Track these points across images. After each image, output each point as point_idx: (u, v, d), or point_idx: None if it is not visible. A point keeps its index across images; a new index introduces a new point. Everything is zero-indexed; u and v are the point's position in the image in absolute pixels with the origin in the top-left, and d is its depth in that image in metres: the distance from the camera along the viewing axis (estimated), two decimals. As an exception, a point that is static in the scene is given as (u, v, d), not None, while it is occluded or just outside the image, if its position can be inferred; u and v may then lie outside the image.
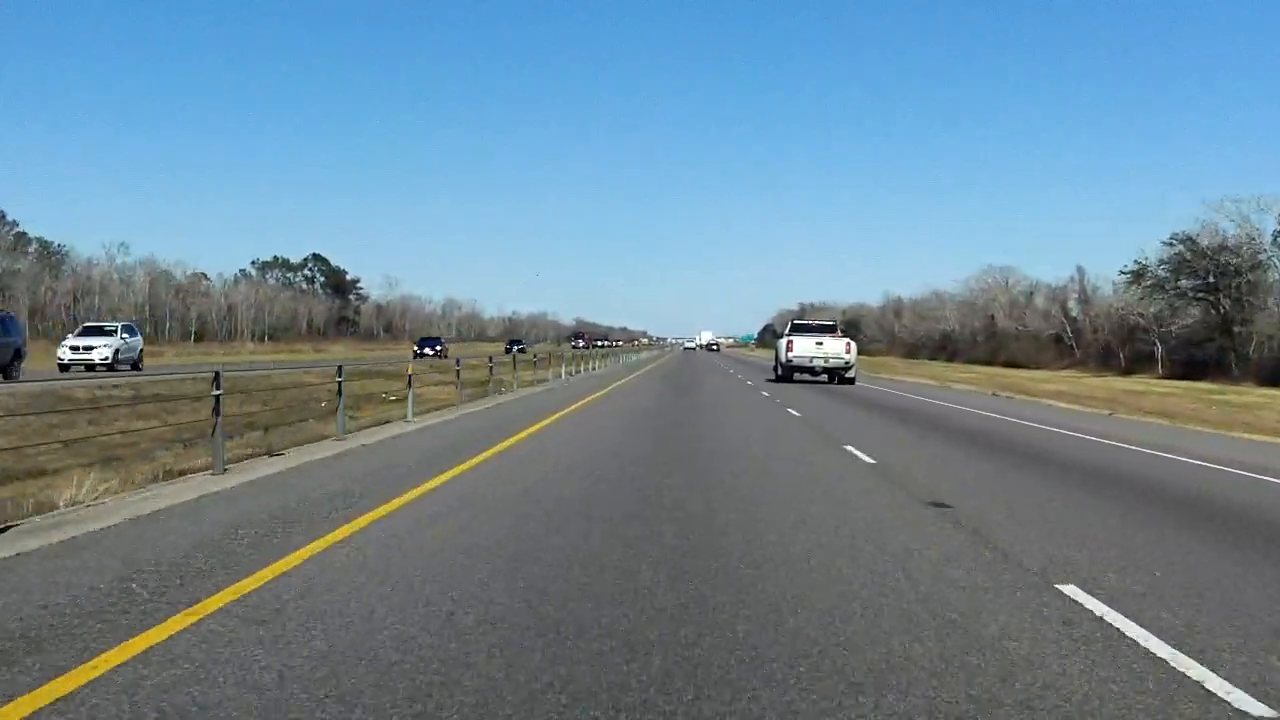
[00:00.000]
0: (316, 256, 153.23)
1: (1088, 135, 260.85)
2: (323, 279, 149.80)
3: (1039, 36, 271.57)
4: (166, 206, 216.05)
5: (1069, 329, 79.32)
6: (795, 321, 42.84)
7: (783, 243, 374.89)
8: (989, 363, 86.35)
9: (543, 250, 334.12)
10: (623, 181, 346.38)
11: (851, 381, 36.76)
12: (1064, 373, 68.71)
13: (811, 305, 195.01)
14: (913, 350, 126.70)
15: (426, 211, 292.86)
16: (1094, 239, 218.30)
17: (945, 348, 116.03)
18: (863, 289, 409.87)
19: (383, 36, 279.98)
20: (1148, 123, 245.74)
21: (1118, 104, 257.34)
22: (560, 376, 40.65)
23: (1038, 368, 76.78)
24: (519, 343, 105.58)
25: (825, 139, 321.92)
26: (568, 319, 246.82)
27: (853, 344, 37.82)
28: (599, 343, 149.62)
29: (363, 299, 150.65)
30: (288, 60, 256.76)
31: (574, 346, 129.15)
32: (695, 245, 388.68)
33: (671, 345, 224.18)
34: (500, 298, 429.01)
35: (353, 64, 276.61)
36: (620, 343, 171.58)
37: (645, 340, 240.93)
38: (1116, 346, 68.06)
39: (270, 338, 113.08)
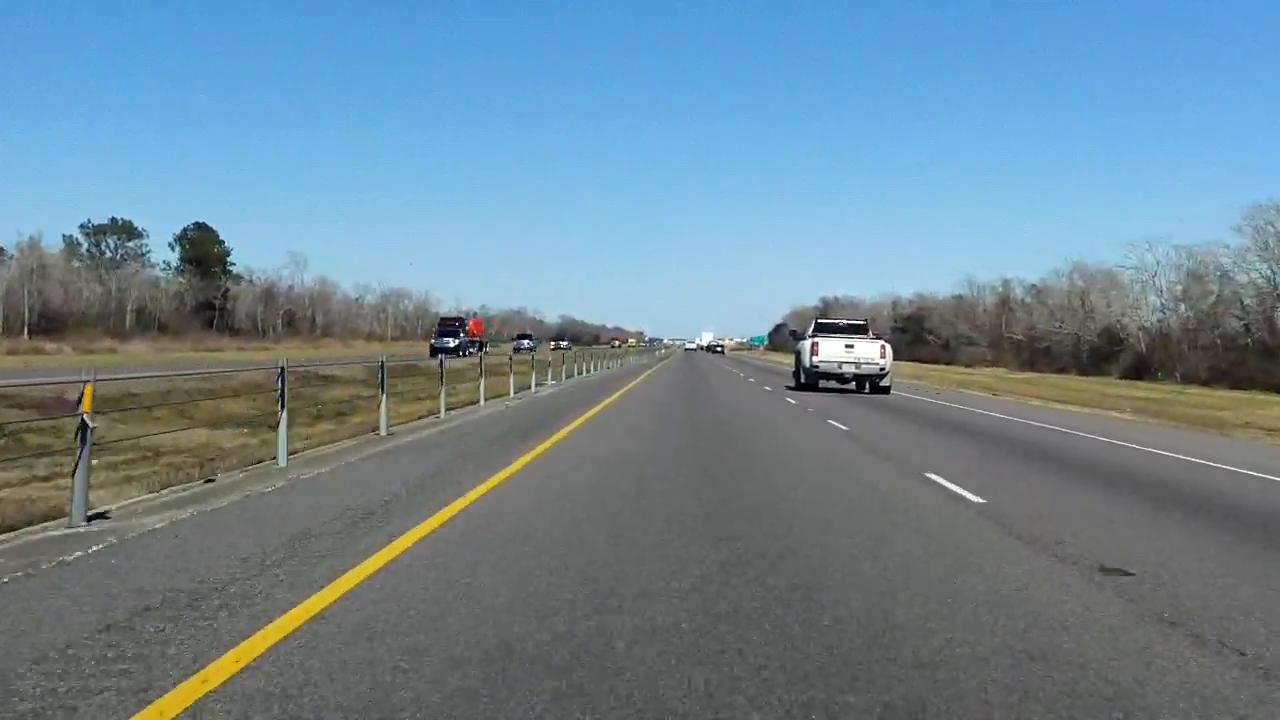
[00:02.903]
0: (200, 225, 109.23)
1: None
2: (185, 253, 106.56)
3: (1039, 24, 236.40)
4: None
5: None
6: (820, 320, 37.88)
7: (792, 236, 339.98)
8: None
9: (537, 246, 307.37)
10: (621, 175, 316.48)
11: (886, 390, 32.36)
12: None
13: (836, 300, 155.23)
14: (1035, 358, 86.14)
15: (418, 208, 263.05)
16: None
17: (1110, 357, 75.52)
18: (891, 281, 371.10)
19: (373, 23, 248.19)
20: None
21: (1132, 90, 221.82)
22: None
23: None
24: None
25: (831, 132, 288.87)
26: (553, 316, 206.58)
27: (888, 347, 33.26)
28: (523, 342, 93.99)
29: (235, 280, 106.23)
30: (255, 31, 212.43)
31: (435, 346, 63.63)
32: (699, 240, 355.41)
33: (667, 347, 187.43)
34: (487, 293, 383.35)
35: (334, 49, 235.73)
36: (565, 344, 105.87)
37: (633, 342, 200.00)
38: None
39: (42, 331, 70.80)
